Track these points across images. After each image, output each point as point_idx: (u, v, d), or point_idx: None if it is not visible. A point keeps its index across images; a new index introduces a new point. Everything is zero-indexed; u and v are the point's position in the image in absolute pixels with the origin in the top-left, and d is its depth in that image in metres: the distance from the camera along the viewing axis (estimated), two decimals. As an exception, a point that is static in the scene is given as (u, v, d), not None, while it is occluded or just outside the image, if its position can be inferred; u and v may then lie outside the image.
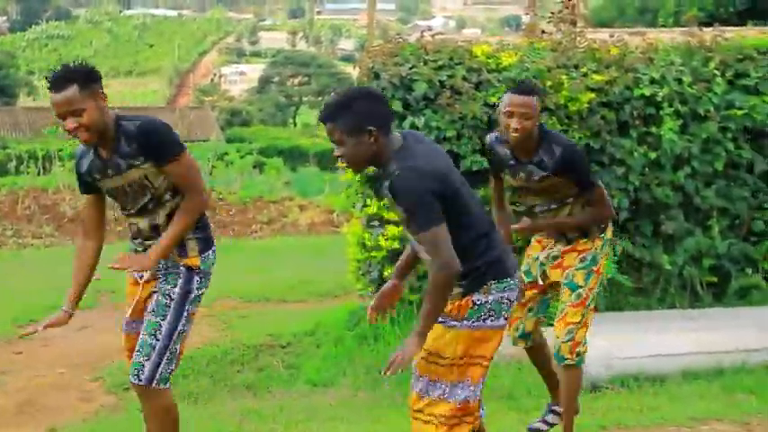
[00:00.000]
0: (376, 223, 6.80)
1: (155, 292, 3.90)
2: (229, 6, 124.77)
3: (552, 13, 7.44)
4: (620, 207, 7.03)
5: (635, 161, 7.05)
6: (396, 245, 6.58)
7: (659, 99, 7.06)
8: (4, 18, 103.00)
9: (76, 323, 8.09)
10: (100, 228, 3.99)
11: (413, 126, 6.68)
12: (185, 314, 3.89)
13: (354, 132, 3.25)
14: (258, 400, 6.10)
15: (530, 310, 4.54)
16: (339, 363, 6.43)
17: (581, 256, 4.38)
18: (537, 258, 4.49)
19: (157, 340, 3.82)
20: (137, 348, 3.85)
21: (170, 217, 3.82)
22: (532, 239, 4.59)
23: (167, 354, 3.83)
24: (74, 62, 3.78)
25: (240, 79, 73.76)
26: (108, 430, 5.48)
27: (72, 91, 3.63)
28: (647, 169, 7.14)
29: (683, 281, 7.28)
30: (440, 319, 3.37)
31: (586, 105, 6.93)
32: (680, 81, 7.16)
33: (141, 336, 3.85)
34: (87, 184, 3.90)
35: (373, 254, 6.74)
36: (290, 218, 16.44)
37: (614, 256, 7.02)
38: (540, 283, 4.48)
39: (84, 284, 3.95)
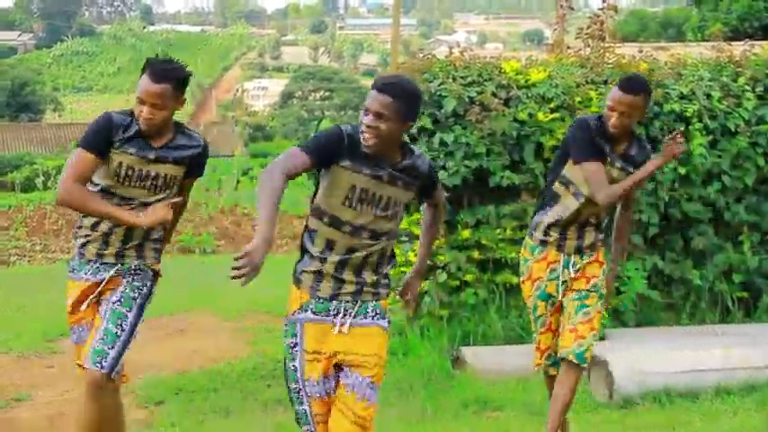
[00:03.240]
0: (405, 238, 6.83)
1: (113, 289, 3.97)
2: (252, 22, 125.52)
3: (581, 28, 7.45)
4: (650, 222, 7.03)
5: (665, 176, 7.04)
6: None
7: (689, 114, 7.06)
8: (30, 35, 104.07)
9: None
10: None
11: (442, 142, 6.71)
12: (143, 313, 4.00)
13: (403, 119, 3.38)
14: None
15: (555, 335, 4.60)
16: (369, 377, 6.42)
17: (602, 267, 4.53)
18: (556, 278, 4.49)
19: (123, 331, 3.88)
20: (99, 336, 3.83)
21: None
22: (531, 260, 4.55)
23: (127, 347, 3.89)
24: (177, 60, 3.97)
25: (263, 94, 74.08)
26: (140, 445, 5.50)
27: (165, 89, 3.83)
28: (676, 184, 7.12)
29: (714, 296, 7.26)
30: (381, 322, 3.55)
31: (615, 121, 6.93)
32: (709, 96, 7.15)
33: (104, 325, 3.86)
34: (105, 148, 3.87)
35: (403, 269, 6.76)
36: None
37: (644, 271, 7.00)
38: (558, 301, 4.54)
39: None
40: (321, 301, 3.50)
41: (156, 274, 4.10)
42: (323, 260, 3.48)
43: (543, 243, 4.50)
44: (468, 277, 6.77)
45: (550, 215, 4.49)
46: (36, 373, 7.22)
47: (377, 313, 3.55)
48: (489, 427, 5.61)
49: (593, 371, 5.97)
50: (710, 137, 7.14)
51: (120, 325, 3.86)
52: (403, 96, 3.36)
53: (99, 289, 3.97)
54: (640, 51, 7.55)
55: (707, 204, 7.19)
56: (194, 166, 4.07)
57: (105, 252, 3.98)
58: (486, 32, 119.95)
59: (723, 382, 6.00)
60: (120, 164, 3.90)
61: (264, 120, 57.18)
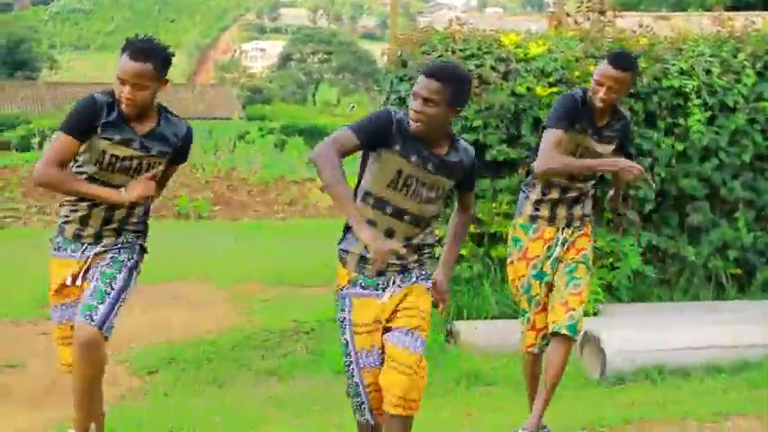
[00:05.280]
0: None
1: (99, 262, 3.90)
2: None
3: (581, 2, 7.39)
4: (646, 198, 7.01)
5: (662, 152, 7.01)
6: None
7: (688, 90, 7.01)
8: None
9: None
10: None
11: (439, 115, 6.66)
12: (132, 282, 3.93)
13: (452, 105, 3.42)
14: (282, 386, 6.13)
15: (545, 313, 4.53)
16: (362, 350, 6.43)
17: (590, 242, 4.52)
18: (549, 256, 4.44)
19: (112, 289, 3.82)
20: (89, 293, 3.80)
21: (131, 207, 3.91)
22: (528, 237, 4.48)
23: (117, 306, 3.82)
24: (157, 40, 3.86)
25: (261, 56, 73.77)
26: (135, 414, 5.51)
27: (146, 68, 3.72)
28: (673, 161, 7.10)
29: (708, 273, 7.26)
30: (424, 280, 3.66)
31: (614, 96, 6.88)
32: (709, 72, 7.11)
33: (93, 283, 3.82)
34: (87, 131, 3.78)
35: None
36: (311, 199, 16.46)
37: (639, 247, 7.00)
38: (551, 280, 4.46)
39: None
40: (369, 276, 3.57)
41: (143, 250, 4.05)
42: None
43: (534, 219, 4.46)
44: (464, 251, 6.75)
45: (537, 191, 4.46)
46: (29, 339, 7.22)
47: (421, 275, 3.66)
48: (480, 402, 5.63)
49: (586, 348, 5.98)
50: (709, 113, 7.11)
51: (110, 284, 3.81)
52: (452, 82, 3.41)
53: (86, 265, 3.92)
54: (640, 26, 7.48)
55: (703, 181, 7.18)
56: (178, 155, 3.98)
57: (83, 234, 3.92)
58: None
59: (715, 359, 6.02)
60: (104, 152, 3.81)
61: (262, 82, 56.88)
